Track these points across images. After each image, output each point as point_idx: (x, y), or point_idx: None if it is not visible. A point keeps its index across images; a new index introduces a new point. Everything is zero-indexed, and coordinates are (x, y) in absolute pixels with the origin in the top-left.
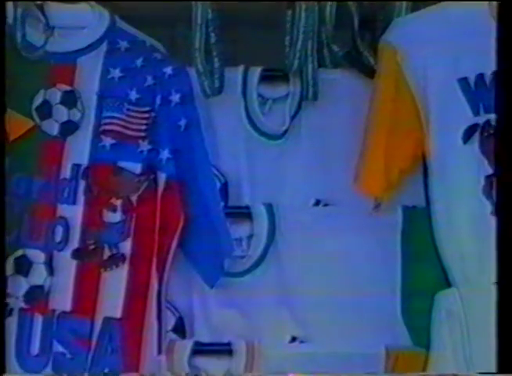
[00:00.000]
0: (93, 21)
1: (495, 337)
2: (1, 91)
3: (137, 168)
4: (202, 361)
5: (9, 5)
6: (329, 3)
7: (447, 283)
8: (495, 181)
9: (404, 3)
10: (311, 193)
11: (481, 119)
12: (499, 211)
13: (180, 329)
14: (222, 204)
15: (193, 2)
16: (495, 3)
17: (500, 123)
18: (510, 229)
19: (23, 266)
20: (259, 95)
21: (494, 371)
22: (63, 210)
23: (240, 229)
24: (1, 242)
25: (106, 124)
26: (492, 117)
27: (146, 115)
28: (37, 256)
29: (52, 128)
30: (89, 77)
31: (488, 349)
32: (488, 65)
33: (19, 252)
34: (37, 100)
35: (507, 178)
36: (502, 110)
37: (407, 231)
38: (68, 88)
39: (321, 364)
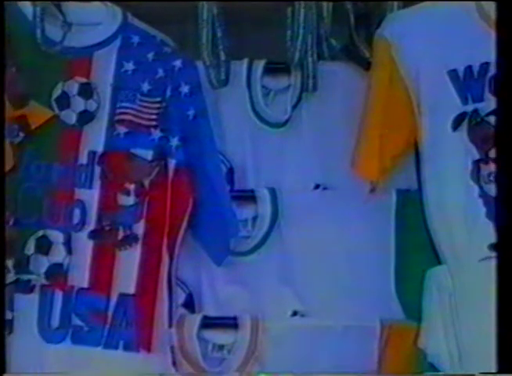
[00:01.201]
0: (107, 18)
1: (495, 338)
2: (0, 91)
3: (149, 154)
4: (209, 334)
5: (28, 4)
6: (326, 1)
7: (437, 261)
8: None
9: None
10: (311, 177)
11: (469, 108)
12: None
13: (189, 304)
14: (228, 187)
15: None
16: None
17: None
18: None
19: (44, 246)
20: (263, 87)
21: (480, 342)
22: (81, 194)
23: (245, 211)
24: (1, 241)
25: (120, 113)
26: (480, 106)
27: (157, 105)
28: (57, 236)
29: (70, 117)
30: (104, 70)
31: (475, 321)
32: (476, 58)
33: (40, 233)
34: (57, 92)
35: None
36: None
37: (400, 212)
38: (85, 80)
39: (320, 337)
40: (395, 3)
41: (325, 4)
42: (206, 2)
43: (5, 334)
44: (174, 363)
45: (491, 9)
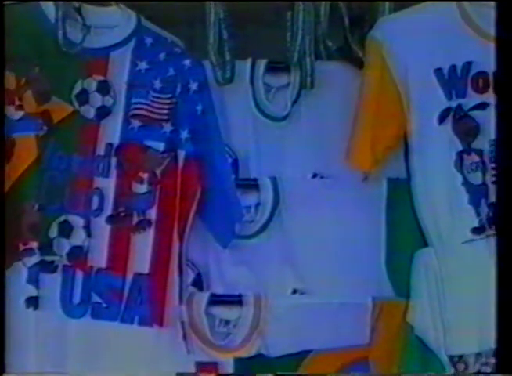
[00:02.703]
0: (122, 21)
1: (496, 338)
2: (0, 89)
3: (160, 146)
4: (216, 310)
5: (51, 8)
6: (323, 5)
7: (424, 243)
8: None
9: (387, 4)
10: (310, 167)
11: (453, 103)
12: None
13: (198, 283)
14: (233, 176)
15: (207, 4)
16: (464, 4)
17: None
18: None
19: (66, 230)
20: (264, 84)
21: (463, 317)
22: (99, 182)
23: (249, 199)
24: (1, 240)
25: (134, 109)
26: (463, 101)
27: (168, 101)
28: (77, 221)
29: (89, 112)
30: (120, 69)
31: (458, 297)
32: (459, 57)
33: (62, 218)
34: (76, 89)
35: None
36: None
37: (391, 199)
38: (102, 78)
39: (317, 313)
40: (386, 7)
41: (322, 8)
42: (213, 7)
43: (5, 334)
44: (184, 337)
45: (472, 11)
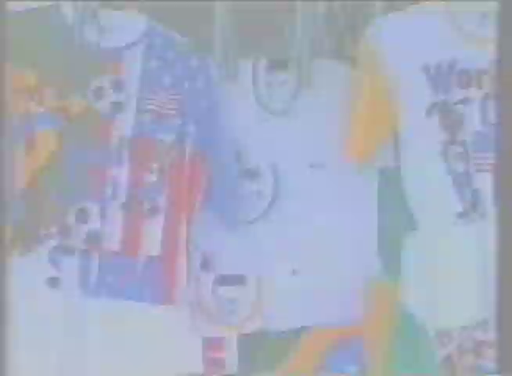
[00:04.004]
0: (134, 23)
1: (496, 338)
2: (1, 90)
3: (169, 139)
4: (221, 289)
5: (69, 11)
6: (319, 7)
7: (413, 227)
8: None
9: (378, 6)
10: (307, 157)
11: (439, 98)
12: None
13: (205, 265)
14: (236, 166)
15: (212, 7)
16: (450, 6)
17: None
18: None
19: (83, 216)
20: (266, 81)
21: (450, 294)
22: (113, 172)
23: (251, 187)
24: (1, 238)
25: (145, 104)
26: (448, 96)
27: (177, 97)
28: (94, 208)
29: (104, 107)
30: (132, 67)
31: (444, 276)
32: (444, 56)
33: (79, 205)
34: (92, 86)
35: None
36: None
37: (382, 186)
38: (116, 76)
39: (315, 292)
40: (378, 9)
41: (319, 11)
42: (218, 10)
43: (5, 334)
44: (192, 314)
45: (456, 13)
